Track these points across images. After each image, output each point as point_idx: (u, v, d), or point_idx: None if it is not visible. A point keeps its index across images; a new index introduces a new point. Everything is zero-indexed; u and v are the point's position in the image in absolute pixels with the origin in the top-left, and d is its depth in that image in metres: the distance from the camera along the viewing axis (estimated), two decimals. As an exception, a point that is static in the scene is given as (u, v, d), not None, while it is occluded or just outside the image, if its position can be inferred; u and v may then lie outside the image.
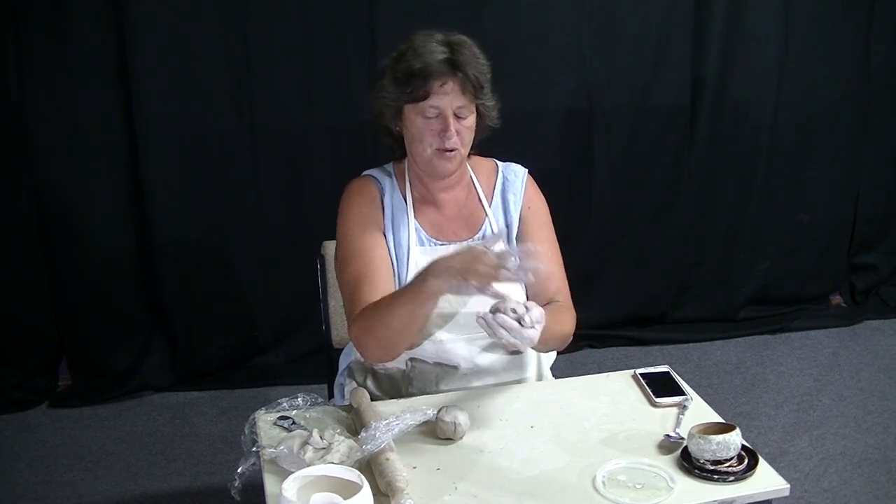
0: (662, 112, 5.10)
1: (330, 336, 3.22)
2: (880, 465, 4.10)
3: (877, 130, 5.50)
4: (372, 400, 2.58)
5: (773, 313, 5.55)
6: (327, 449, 2.22)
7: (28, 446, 4.33)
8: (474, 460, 2.33)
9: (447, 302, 2.61)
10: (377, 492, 2.11)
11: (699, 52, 5.03)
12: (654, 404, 2.60)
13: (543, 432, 2.47)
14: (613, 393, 2.69)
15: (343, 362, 3.01)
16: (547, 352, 2.88)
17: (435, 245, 2.75)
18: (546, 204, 2.92)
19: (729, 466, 2.22)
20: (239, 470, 2.24)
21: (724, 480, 2.20)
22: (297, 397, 2.48)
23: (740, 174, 5.29)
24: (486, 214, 2.82)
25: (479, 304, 2.37)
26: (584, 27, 4.84)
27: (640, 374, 2.76)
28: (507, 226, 2.83)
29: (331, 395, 3.13)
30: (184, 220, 4.66)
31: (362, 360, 2.86)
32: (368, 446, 2.20)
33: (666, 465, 2.27)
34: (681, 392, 2.65)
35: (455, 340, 2.73)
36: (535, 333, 2.28)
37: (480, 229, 2.80)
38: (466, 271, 2.27)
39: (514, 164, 2.93)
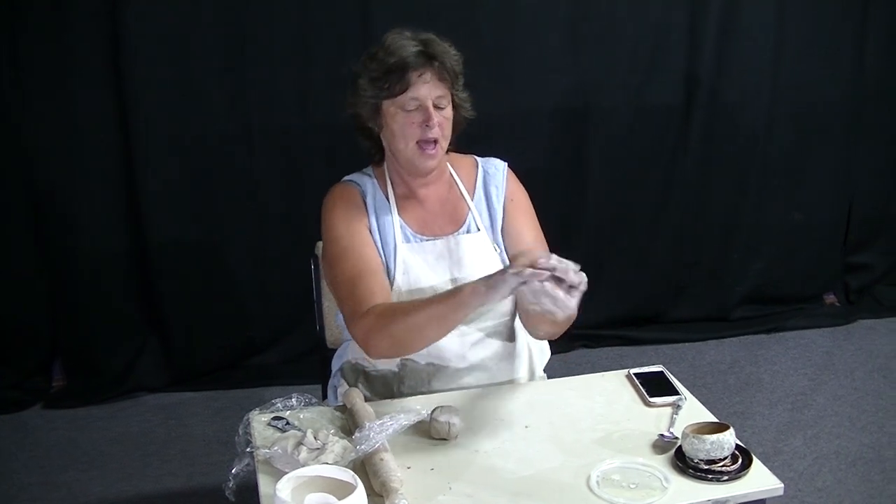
0: (658, 112, 5.10)
1: (324, 336, 3.22)
2: (874, 465, 4.11)
3: (871, 130, 5.50)
4: (365, 401, 2.59)
5: (767, 313, 5.56)
6: (321, 449, 2.22)
7: (23, 447, 4.33)
8: (469, 460, 2.34)
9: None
10: (371, 492, 2.11)
11: (694, 52, 5.03)
12: (648, 404, 2.61)
13: (538, 432, 2.47)
14: (608, 393, 2.69)
15: (335, 364, 3.01)
16: (545, 338, 2.86)
17: (421, 241, 2.76)
18: (527, 195, 2.93)
19: (723, 466, 2.23)
20: (233, 470, 2.24)
21: (718, 480, 2.20)
22: (291, 398, 2.48)
23: (735, 174, 5.29)
24: (470, 208, 2.83)
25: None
26: (580, 27, 4.84)
27: (635, 374, 2.76)
28: (491, 217, 2.84)
29: (325, 396, 3.13)
30: (179, 221, 4.65)
31: (354, 361, 2.87)
32: (362, 446, 2.20)
33: (660, 465, 2.28)
34: (675, 392, 2.65)
35: (446, 336, 2.74)
36: (575, 302, 2.24)
37: (464, 223, 2.81)
38: (503, 280, 2.27)
39: (493, 159, 2.95)
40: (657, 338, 5.34)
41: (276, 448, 2.25)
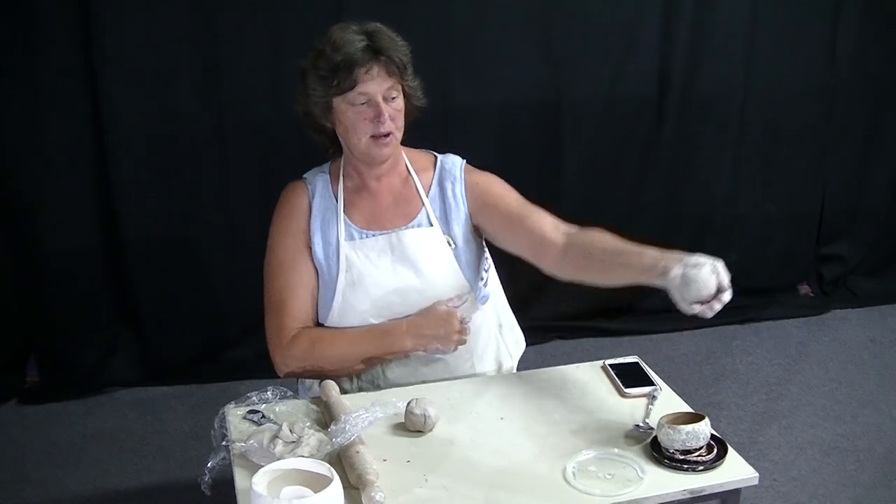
0: (631, 103, 5.10)
1: (299, 330, 3.22)
2: (849, 454, 4.13)
3: (844, 121, 5.52)
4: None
5: (741, 303, 5.53)
6: (297, 442, 2.22)
7: (-3, 443, 4.32)
8: (444, 452, 2.34)
9: None
10: (347, 485, 2.11)
11: (667, 45, 5.03)
12: (623, 395, 2.61)
13: (513, 424, 2.48)
14: (583, 384, 2.69)
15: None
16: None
17: (365, 237, 2.78)
18: (494, 176, 2.93)
19: (698, 456, 2.24)
20: (209, 465, 2.24)
21: (694, 470, 2.21)
22: (266, 391, 2.49)
23: (708, 165, 5.30)
24: (423, 203, 2.84)
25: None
26: (553, 19, 4.84)
27: (610, 365, 2.77)
28: (446, 212, 2.84)
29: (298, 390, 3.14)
30: (152, 216, 4.63)
31: None
32: (338, 439, 2.20)
33: (636, 455, 2.29)
34: (650, 382, 2.66)
35: None
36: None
37: (416, 217, 2.82)
38: (439, 338, 2.70)
39: (451, 155, 2.95)
40: (632, 329, 5.35)
41: (251, 442, 2.25)
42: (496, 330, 3.06)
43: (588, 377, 2.74)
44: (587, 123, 5.05)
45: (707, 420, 2.26)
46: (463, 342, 2.74)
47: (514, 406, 2.58)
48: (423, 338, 2.70)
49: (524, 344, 3.17)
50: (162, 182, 4.60)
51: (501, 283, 3.17)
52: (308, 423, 2.33)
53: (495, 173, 2.93)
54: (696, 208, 5.36)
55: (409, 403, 2.42)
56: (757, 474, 2.24)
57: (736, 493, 2.26)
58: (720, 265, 2.29)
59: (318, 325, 2.81)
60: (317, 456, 2.17)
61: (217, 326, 4.90)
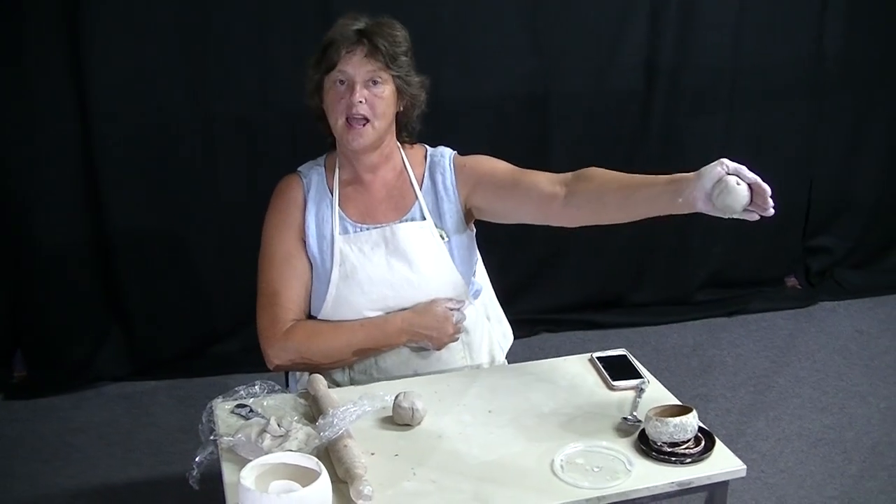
0: (618, 97, 5.10)
1: (287, 324, 3.22)
2: (836, 445, 4.14)
3: (831, 113, 5.53)
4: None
5: (729, 296, 5.58)
6: (285, 436, 2.22)
7: (-16, 439, 4.31)
8: (432, 446, 2.34)
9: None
10: (335, 479, 2.11)
11: (655, 37, 5.03)
12: (611, 387, 2.62)
13: (501, 417, 2.48)
14: (571, 377, 2.70)
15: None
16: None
17: (359, 230, 2.79)
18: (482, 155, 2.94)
19: (686, 448, 2.24)
20: (197, 459, 2.23)
21: (682, 462, 2.21)
22: (254, 385, 2.48)
23: (696, 158, 5.26)
24: (417, 197, 2.84)
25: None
26: (540, 12, 4.84)
27: (597, 358, 2.77)
28: (438, 206, 2.85)
29: (288, 383, 3.13)
30: (139, 210, 4.62)
31: None
32: (326, 433, 2.20)
33: (623, 448, 2.29)
34: (638, 375, 2.66)
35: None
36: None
37: (409, 211, 2.83)
38: (432, 338, 2.76)
39: (441, 147, 2.96)
40: (619, 321, 5.36)
41: (239, 436, 2.25)
42: (487, 325, 3.07)
43: (576, 370, 2.74)
44: (575, 116, 5.05)
45: (695, 412, 2.26)
46: (454, 340, 2.81)
47: (501, 399, 2.58)
48: (417, 335, 2.75)
49: (512, 337, 3.18)
50: (150, 176, 4.58)
51: (489, 276, 3.18)
52: (296, 418, 2.33)
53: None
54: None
55: (396, 397, 2.42)
56: (745, 466, 2.24)
57: (724, 485, 2.27)
58: (732, 164, 2.26)
59: (311, 317, 2.81)
60: (305, 450, 2.17)
61: (205, 321, 4.89)
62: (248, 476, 1.97)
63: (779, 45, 5.25)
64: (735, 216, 2.26)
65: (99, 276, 4.70)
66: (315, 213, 2.80)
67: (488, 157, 2.91)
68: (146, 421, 4.43)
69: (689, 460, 2.22)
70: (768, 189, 2.21)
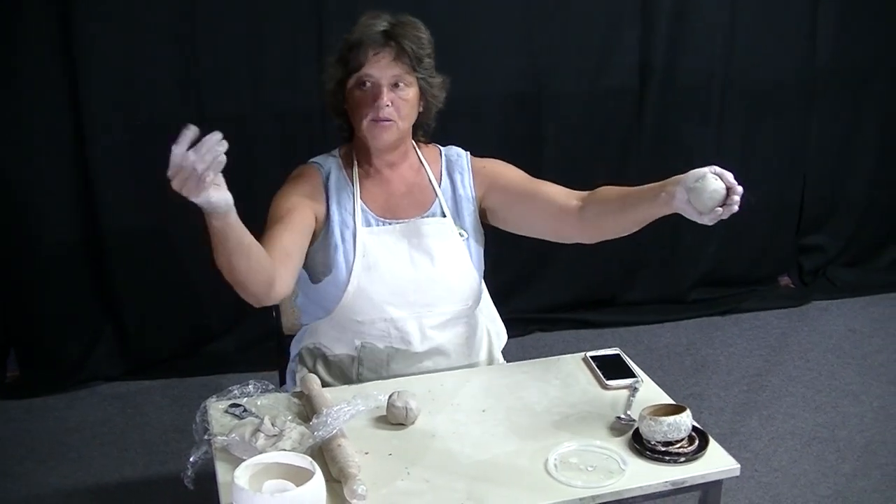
0: (611, 95, 5.11)
1: (280, 323, 3.22)
2: (829, 444, 4.15)
3: (824, 112, 5.54)
4: (322, 386, 2.59)
5: (722, 295, 5.59)
6: (279, 436, 2.22)
7: (-22, 439, 4.31)
8: (426, 445, 2.34)
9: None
10: (329, 478, 2.11)
11: (648, 35, 5.03)
12: (604, 387, 2.62)
13: (495, 416, 2.48)
14: (564, 376, 2.70)
15: (294, 349, 3.02)
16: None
17: (383, 224, 2.78)
18: (496, 160, 2.97)
19: (680, 447, 2.24)
20: (191, 458, 2.23)
21: (675, 461, 2.22)
22: (248, 384, 2.48)
23: (689, 156, 5.29)
24: (437, 194, 2.84)
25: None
26: (534, 11, 4.84)
27: (591, 357, 2.78)
28: (456, 204, 2.86)
29: (282, 382, 3.13)
30: (132, 210, 4.61)
31: (312, 346, 2.89)
32: (320, 432, 2.20)
33: (617, 447, 2.29)
34: (631, 374, 2.67)
35: (406, 319, 2.76)
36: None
37: (430, 208, 2.83)
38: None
39: (454, 147, 2.98)
40: (613, 321, 5.36)
41: (233, 435, 2.25)
42: (485, 321, 3.08)
43: (569, 369, 2.74)
44: (568, 115, 5.05)
45: (688, 411, 2.26)
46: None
47: (495, 398, 2.58)
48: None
49: (505, 336, 3.18)
50: (142, 175, 4.56)
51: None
52: (290, 417, 2.33)
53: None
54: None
55: (390, 396, 2.42)
56: (738, 465, 2.25)
57: (717, 484, 2.27)
58: (718, 168, 2.31)
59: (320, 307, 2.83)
60: (299, 449, 2.17)
61: (198, 320, 4.89)
62: (242, 475, 1.97)
63: (771, 45, 5.26)
64: (700, 215, 2.36)
65: (92, 275, 4.70)
66: (336, 201, 2.78)
67: (504, 163, 2.95)
68: (140, 420, 4.43)
69: (682, 459, 2.22)
70: (739, 192, 2.34)
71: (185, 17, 4.42)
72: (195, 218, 4.45)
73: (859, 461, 4.02)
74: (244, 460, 2.04)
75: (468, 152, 2.96)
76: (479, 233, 2.90)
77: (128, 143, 4.52)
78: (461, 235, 2.82)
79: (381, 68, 2.65)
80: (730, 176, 2.30)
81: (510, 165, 2.94)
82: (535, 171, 4.94)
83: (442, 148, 2.97)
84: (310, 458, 2.03)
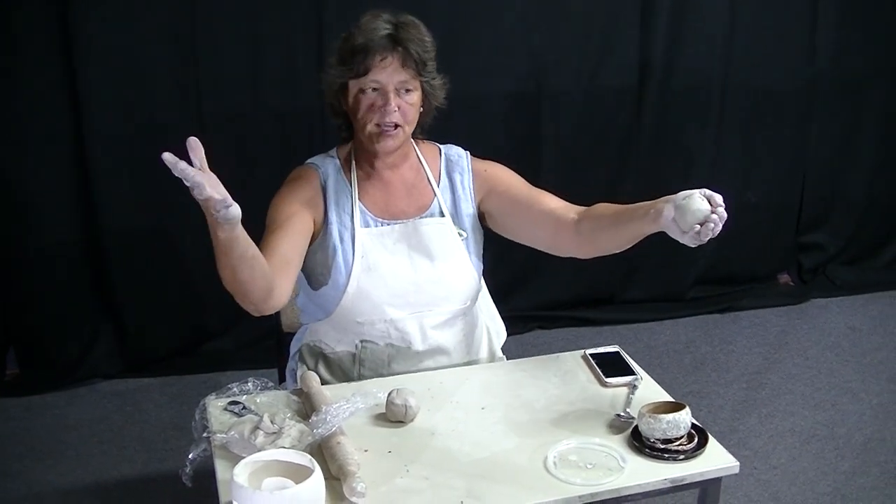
0: (610, 94, 5.10)
1: (280, 321, 3.22)
2: (828, 441, 4.15)
3: (823, 110, 5.54)
4: (323, 384, 2.59)
5: (721, 293, 5.59)
6: (278, 433, 2.22)
7: (-23, 436, 4.31)
8: (425, 443, 2.34)
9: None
10: (329, 476, 2.11)
11: (647, 34, 5.03)
12: (604, 384, 2.62)
13: (494, 414, 2.48)
14: (563, 373, 2.70)
15: (293, 347, 3.02)
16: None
17: (381, 225, 2.77)
18: (497, 163, 2.96)
19: (679, 445, 2.24)
20: (190, 456, 2.23)
21: (675, 459, 2.22)
22: (247, 382, 2.48)
23: (688, 155, 5.31)
24: (436, 194, 2.84)
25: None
26: (533, 10, 4.84)
27: (590, 355, 2.78)
28: (455, 204, 2.86)
29: (281, 380, 3.14)
30: (130, 208, 4.61)
31: (312, 344, 2.89)
32: (319, 430, 2.20)
33: (617, 445, 2.29)
34: (631, 372, 2.67)
35: (406, 319, 2.76)
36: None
37: (429, 208, 2.82)
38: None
39: (453, 146, 2.96)
40: (612, 318, 5.36)
41: (232, 433, 2.25)
42: (484, 319, 3.08)
43: (568, 367, 2.74)
44: (567, 114, 5.05)
45: (687, 409, 2.26)
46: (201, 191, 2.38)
47: (494, 396, 2.58)
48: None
49: (505, 334, 3.18)
50: (141, 174, 4.57)
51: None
52: (289, 415, 2.33)
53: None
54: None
55: (389, 394, 2.42)
56: (737, 463, 2.25)
57: (716, 481, 2.27)
58: (708, 191, 2.30)
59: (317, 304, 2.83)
60: (298, 447, 2.17)
61: (197, 318, 4.88)
62: (242, 473, 1.98)
63: (771, 44, 5.26)
64: (682, 234, 2.31)
65: (91, 274, 4.70)
66: (335, 202, 2.77)
67: (505, 168, 2.94)
68: (139, 418, 4.43)
69: (682, 457, 2.22)
70: (720, 214, 2.28)
71: (185, 17, 4.42)
72: (194, 217, 4.46)
73: (858, 459, 4.03)
74: (243, 458, 2.05)
75: (468, 152, 2.95)
76: (478, 232, 2.89)
77: (128, 143, 4.52)
78: (460, 235, 2.82)
79: (388, 74, 2.63)
80: (718, 198, 2.28)
81: (511, 171, 2.93)
82: (535, 170, 4.97)
83: (441, 147, 2.96)
84: (309, 456, 2.03)
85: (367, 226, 2.76)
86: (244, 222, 2.45)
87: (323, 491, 1.99)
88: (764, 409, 4.42)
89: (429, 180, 2.86)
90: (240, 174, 4.63)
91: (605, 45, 5.02)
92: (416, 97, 2.70)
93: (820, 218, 5.81)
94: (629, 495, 2.17)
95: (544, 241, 2.81)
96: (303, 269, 2.76)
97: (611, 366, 2.70)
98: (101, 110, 4.42)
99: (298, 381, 2.79)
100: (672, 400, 2.41)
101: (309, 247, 2.73)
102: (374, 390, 2.39)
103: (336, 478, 2.12)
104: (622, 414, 2.42)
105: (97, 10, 4.29)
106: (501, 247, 3.07)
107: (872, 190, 5.81)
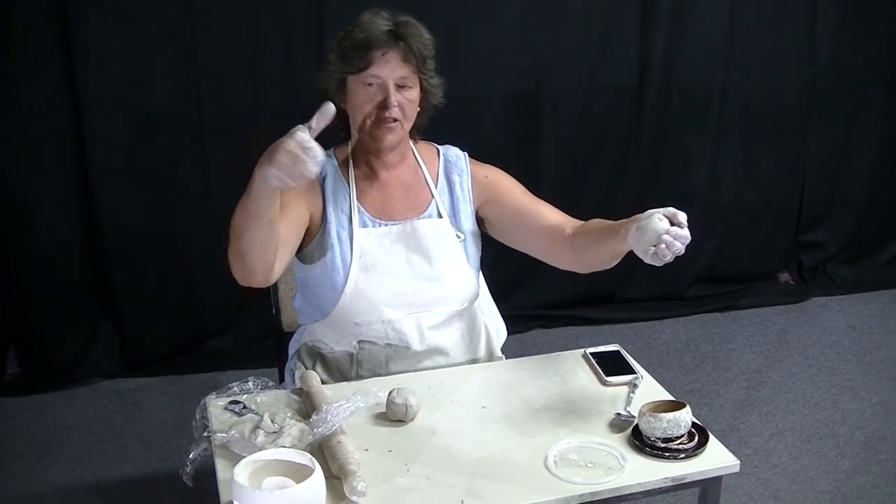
0: (610, 93, 5.10)
1: (280, 320, 3.22)
2: (828, 440, 4.15)
3: (823, 109, 5.54)
4: (322, 384, 2.59)
5: (721, 291, 5.59)
6: (279, 433, 2.22)
7: (-23, 436, 4.31)
8: (426, 442, 2.34)
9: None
10: (329, 475, 2.11)
11: (646, 33, 5.03)
12: (604, 383, 2.62)
13: (494, 413, 2.48)
14: (564, 372, 2.70)
15: (292, 348, 3.02)
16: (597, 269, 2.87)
17: (379, 225, 2.77)
18: (497, 168, 2.95)
19: (679, 444, 2.24)
20: (191, 455, 2.23)
21: (675, 458, 2.22)
22: (247, 381, 2.48)
23: (688, 154, 5.31)
24: (433, 195, 2.83)
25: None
26: (532, 9, 4.83)
27: (591, 354, 2.78)
28: (453, 205, 2.86)
29: (282, 380, 3.13)
30: (131, 206, 4.61)
31: (311, 344, 2.88)
32: (320, 429, 2.20)
33: (617, 444, 2.29)
34: (631, 371, 2.67)
35: (404, 320, 2.76)
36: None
37: (426, 209, 2.82)
38: (273, 160, 2.38)
39: (452, 147, 2.96)
40: (613, 317, 5.36)
41: (233, 432, 2.25)
42: (483, 318, 3.07)
43: (569, 366, 2.75)
44: (567, 112, 5.05)
45: (688, 408, 2.26)
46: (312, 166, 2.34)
47: (495, 395, 2.58)
48: (277, 162, 2.38)
49: (505, 333, 3.17)
50: (141, 173, 4.57)
51: (482, 272, 3.18)
52: (289, 414, 2.33)
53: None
54: (675, 198, 5.33)
55: (390, 393, 2.42)
56: (738, 462, 2.25)
57: (717, 480, 2.27)
58: (671, 209, 2.32)
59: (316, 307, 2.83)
60: (298, 446, 2.17)
61: (197, 317, 4.88)
62: (242, 472, 1.98)
63: (771, 44, 5.26)
64: (644, 253, 2.37)
65: (91, 273, 4.70)
66: (333, 201, 2.77)
67: (505, 174, 2.94)
68: (139, 417, 4.43)
69: (682, 456, 2.22)
70: (680, 234, 2.32)
71: (185, 17, 4.42)
72: (194, 217, 4.48)
73: (859, 457, 4.03)
74: (244, 457, 2.05)
75: (466, 153, 2.95)
76: (476, 234, 2.89)
77: (127, 142, 4.52)
78: (458, 236, 2.81)
79: (389, 69, 2.63)
80: (682, 217, 2.31)
81: (511, 178, 2.92)
82: (535, 170, 4.98)
83: (440, 147, 2.95)
84: (309, 455, 2.03)
85: (365, 226, 2.76)
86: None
87: (323, 490, 1.99)
88: (764, 407, 4.42)
89: (426, 181, 2.86)
90: (240, 171, 4.64)
91: (605, 45, 5.02)
92: (415, 94, 2.71)
93: (820, 216, 5.82)
94: (630, 494, 2.17)
95: (541, 252, 2.84)
96: (301, 270, 2.77)
97: (611, 365, 2.71)
98: (101, 110, 4.42)
99: (297, 381, 2.79)
100: (672, 399, 2.41)
101: (307, 245, 2.74)
102: (375, 389, 2.39)
103: (336, 477, 2.12)
104: (623, 413, 2.42)
105: (97, 11, 4.29)
106: (502, 246, 3.06)
107: (872, 189, 5.81)
